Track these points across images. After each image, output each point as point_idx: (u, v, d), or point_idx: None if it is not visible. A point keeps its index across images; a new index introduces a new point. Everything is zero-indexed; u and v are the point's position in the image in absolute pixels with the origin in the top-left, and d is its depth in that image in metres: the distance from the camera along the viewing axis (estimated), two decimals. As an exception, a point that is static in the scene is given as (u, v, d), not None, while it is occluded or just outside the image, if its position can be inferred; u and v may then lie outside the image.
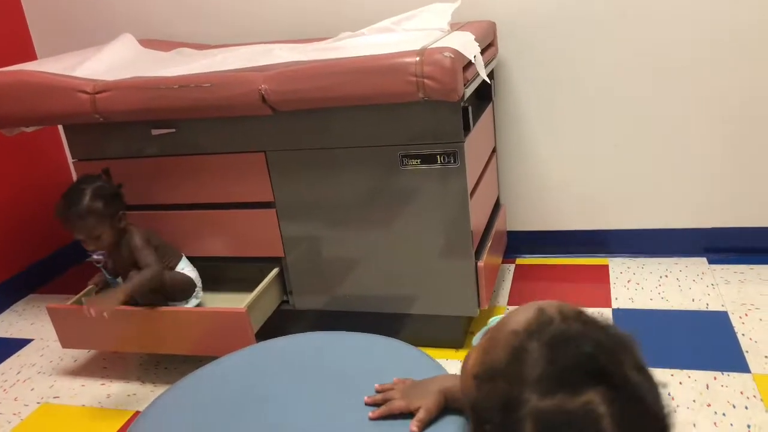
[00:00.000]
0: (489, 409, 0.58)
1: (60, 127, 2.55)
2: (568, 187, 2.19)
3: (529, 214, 2.27)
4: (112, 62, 1.93)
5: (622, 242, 2.21)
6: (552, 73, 2.07)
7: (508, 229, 2.28)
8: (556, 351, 0.57)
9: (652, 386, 0.59)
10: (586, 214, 2.22)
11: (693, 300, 1.90)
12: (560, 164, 2.17)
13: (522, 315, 0.63)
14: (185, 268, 1.81)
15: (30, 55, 2.50)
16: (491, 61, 1.92)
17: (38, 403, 1.80)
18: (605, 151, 2.11)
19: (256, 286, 1.75)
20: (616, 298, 1.96)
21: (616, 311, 1.90)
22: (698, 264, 2.10)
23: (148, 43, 2.15)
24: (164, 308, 1.72)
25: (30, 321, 2.27)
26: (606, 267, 2.16)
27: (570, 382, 0.55)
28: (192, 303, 1.80)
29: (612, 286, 2.04)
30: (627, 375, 0.56)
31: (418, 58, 1.46)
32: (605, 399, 0.54)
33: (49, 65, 1.85)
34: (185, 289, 1.78)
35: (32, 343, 2.13)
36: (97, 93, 1.69)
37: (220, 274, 1.96)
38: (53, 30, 2.47)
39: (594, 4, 1.96)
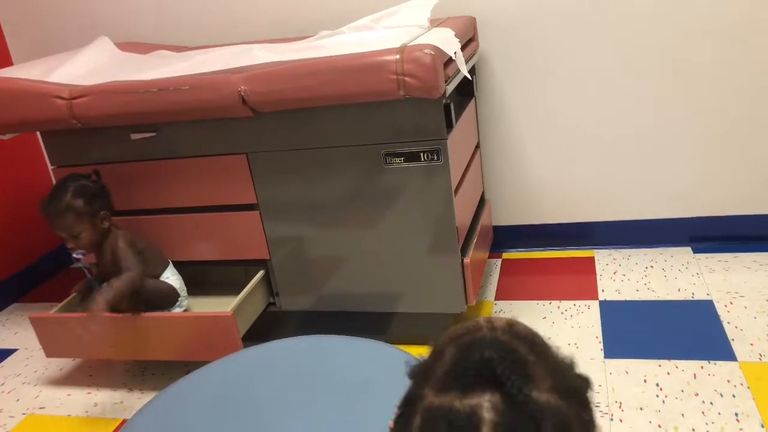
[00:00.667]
0: (401, 402, 0.59)
1: (38, 134, 2.52)
2: (552, 180, 2.20)
3: (515, 209, 2.27)
4: (89, 66, 1.90)
5: (607, 234, 2.22)
6: (533, 67, 2.07)
7: (493, 224, 2.28)
8: (463, 353, 0.57)
9: (570, 418, 0.54)
10: (571, 207, 2.22)
11: (679, 290, 1.91)
12: (544, 158, 2.17)
13: (461, 324, 0.63)
14: (170, 276, 1.79)
15: (5, 61, 2.46)
16: (472, 56, 1.91)
17: (24, 414, 1.78)
18: (588, 143, 2.12)
19: (242, 289, 1.74)
20: (603, 290, 1.97)
21: (602, 303, 1.90)
22: (683, 254, 2.11)
23: (125, 46, 2.12)
24: (149, 314, 1.70)
25: (14, 331, 2.24)
26: (592, 259, 2.16)
27: (465, 382, 0.54)
28: (175, 311, 1.78)
29: (598, 278, 2.04)
30: (531, 391, 0.53)
31: (398, 56, 1.45)
32: (495, 407, 0.52)
33: (24, 71, 1.82)
34: (167, 297, 1.77)
35: (16, 353, 2.10)
36: (74, 98, 1.67)
37: (205, 278, 1.95)
38: (28, 35, 2.44)
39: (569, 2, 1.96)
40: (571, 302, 1.93)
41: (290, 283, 1.82)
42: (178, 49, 2.16)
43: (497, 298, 2.02)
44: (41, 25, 2.40)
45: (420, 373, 0.59)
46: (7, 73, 1.83)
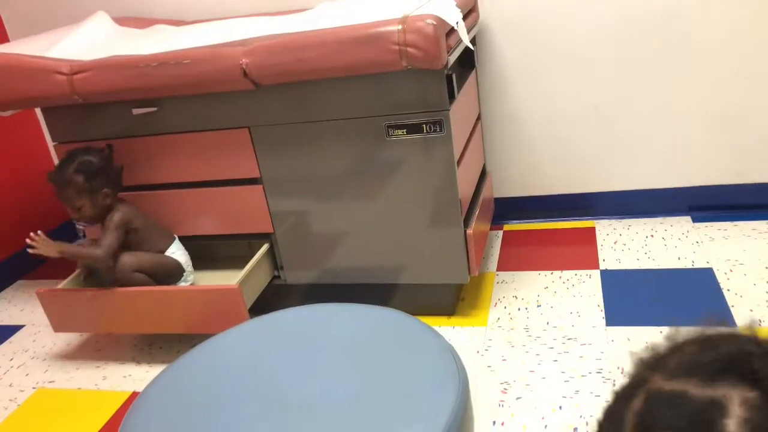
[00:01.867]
0: (618, 388, 0.55)
1: (38, 110, 2.51)
2: (552, 151, 2.20)
3: (516, 181, 2.28)
4: (88, 41, 1.89)
5: (607, 204, 2.23)
6: (533, 37, 2.06)
7: (495, 196, 2.29)
8: (712, 345, 0.52)
9: None
10: (572, 178, 2.23)
11: (679, 258, 1.93)
12: (544, 129, 2.17)
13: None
14: (176, 252, 1.81)
15: (1, 37, 2.44)
16: (473, 27, 1.90)
17: (34, 388, 1.81)
18: (588, 114, 2.12)
19: (247, 262, 1.76)
20: (604, 260, 1.99)
21: (603, 272, 1.92)
22: (683, 222, 2.13)
23: (123, 21, 2.11)
24: (156, 288, 1.72)
25: (20, 307, 2.26)
26: (593, 229, 2.18)
27: (710, 372, 0.49)
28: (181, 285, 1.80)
29: (599, 248, 2.06)
30: None
31: (400, 27, 1.45)
32: (746, 402, 0.46)
33: (22, 47, 1.81)
34: (171, 273, 1.79)
35: (24, 329, 2.12)
36: (74, 74, 1.66)
37: (210, 252, 1.96)
38: (25, 11, 2.41)
39: (574, -34, 1.94)
40: (573, 272, 1.95)
41: (294, 256, 1.84)
42: (176, 23, 2.14)
43: (499, 269, 2.04)
44: (37, 0, 2.38)
45: (648, 362, 0.55)
46: (5, 48, 1.82)
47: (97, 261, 1.72)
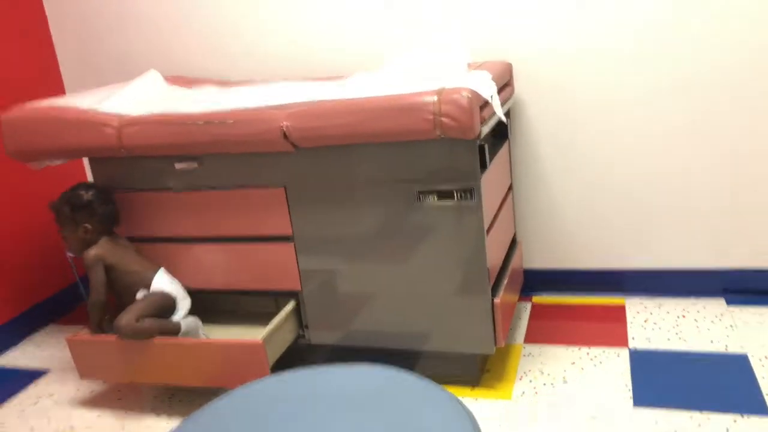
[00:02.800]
0: None
1: (84, 159, 2.62)
2: (584, 225, 2.20)
3: (546, 252, 2.27)
4: (138, 97, 1.99)
5: (638, 281, 2.20)
6: (567, 112, 2.09)
7: (524, 267, 2.28)
8: None
9: None
10: (603, 253, 2.21)
11: (711, 341, 1.88)
12: (576, 202, 2.18)
13: None
14: (161, 282, 1.81)
15: (58, 90, 2.57)
16: (508, 100, 1.95)
17: (54, 433, 1.81)
18: (620, 189, 2.12)
19: (272, 319, 1.77)
20: (633, 338, 1.94)
21: (632, 351, 1.88)
22: (716, 305, 2.08)
23: (173, 79, 2.21)
24: (180, 339, 1.73)
25: (47, 352, 2.29)
26: (622, 306, 2.14)
27: None
28: (179, 315, 1.80)
29: (629, 325, 2.02)
30: None
31: (436, 98, 1.50)
32: None
33: (76, 100, 1.91)
34: (164, 306, 1.79)
35: (49, 373, 2.15)
36: (122, 127, 1.74)
37: (236, 307, 1.98)
38: (82, 65, 2.55)
39: (608, 46, 1.99)
40: (601, 349, 1.91)
41: (320, 316, 1.84)
42: (223, 83, 2.24)
43: (526, 341, 2.01)
44: (94, 57, 2.52)
45: None
46: (61, 101, 1.92)
47: (93, 306, 1.79)
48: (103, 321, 1.84)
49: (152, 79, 2.15)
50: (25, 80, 2.44)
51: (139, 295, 1.78)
